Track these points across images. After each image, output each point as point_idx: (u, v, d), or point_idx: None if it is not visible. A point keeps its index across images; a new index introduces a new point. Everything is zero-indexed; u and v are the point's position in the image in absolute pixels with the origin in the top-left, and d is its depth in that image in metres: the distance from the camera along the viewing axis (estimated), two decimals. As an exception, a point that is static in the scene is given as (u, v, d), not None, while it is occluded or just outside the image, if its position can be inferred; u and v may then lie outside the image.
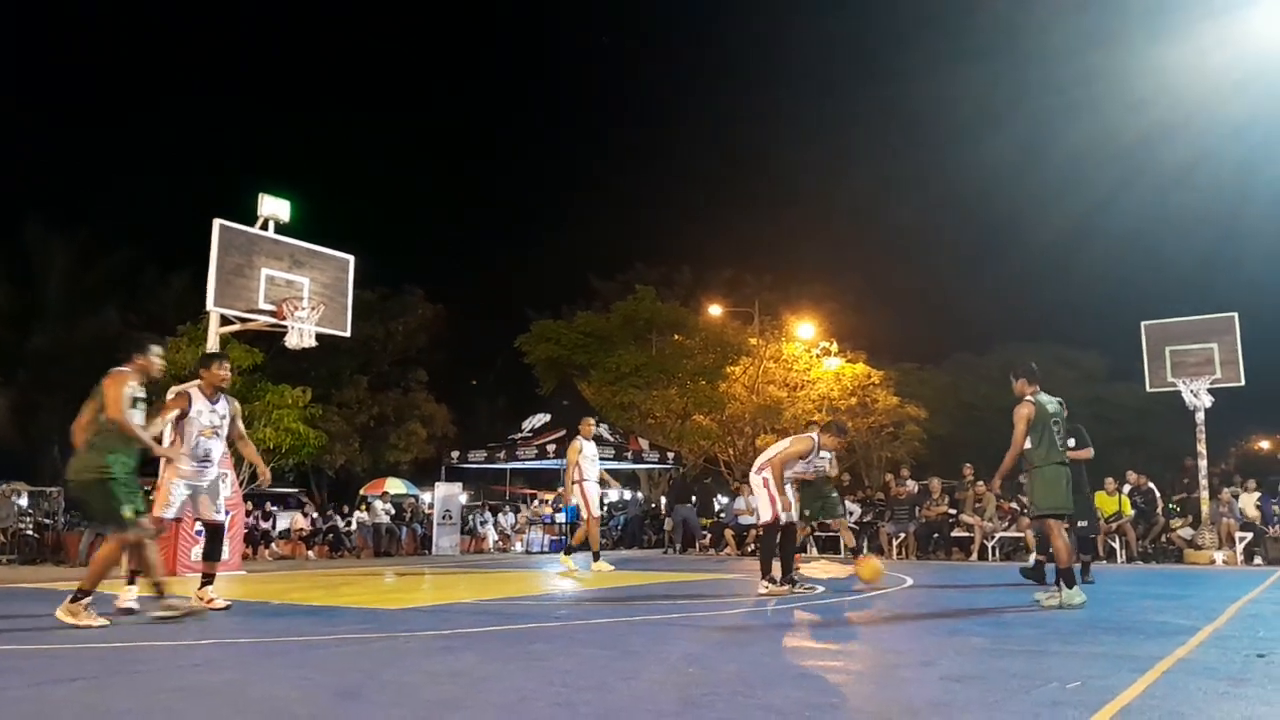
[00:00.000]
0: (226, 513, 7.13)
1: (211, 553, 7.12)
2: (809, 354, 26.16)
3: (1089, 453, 9.34)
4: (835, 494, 12.66)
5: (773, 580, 8.02)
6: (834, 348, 26.29)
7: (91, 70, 45.70)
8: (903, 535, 15.46)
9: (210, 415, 6.92)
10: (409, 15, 59.31)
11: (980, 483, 15.79)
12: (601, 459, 12.44)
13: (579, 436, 12.03)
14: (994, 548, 14.73)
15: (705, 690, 3.72)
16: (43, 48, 43.82)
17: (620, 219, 49.39)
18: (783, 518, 7.98)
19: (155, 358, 6.26)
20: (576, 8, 59.98)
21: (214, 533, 7.16)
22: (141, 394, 6.11)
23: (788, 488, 8.17)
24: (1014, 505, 15.61)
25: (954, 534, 15.44)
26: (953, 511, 15.70)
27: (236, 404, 7.28)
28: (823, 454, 11.92)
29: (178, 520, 7.12)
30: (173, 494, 6.84)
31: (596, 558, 11.85)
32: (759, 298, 30.30)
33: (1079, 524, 10.06)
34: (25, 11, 42.91)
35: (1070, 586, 6.87)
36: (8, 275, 29.68)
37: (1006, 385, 7.51)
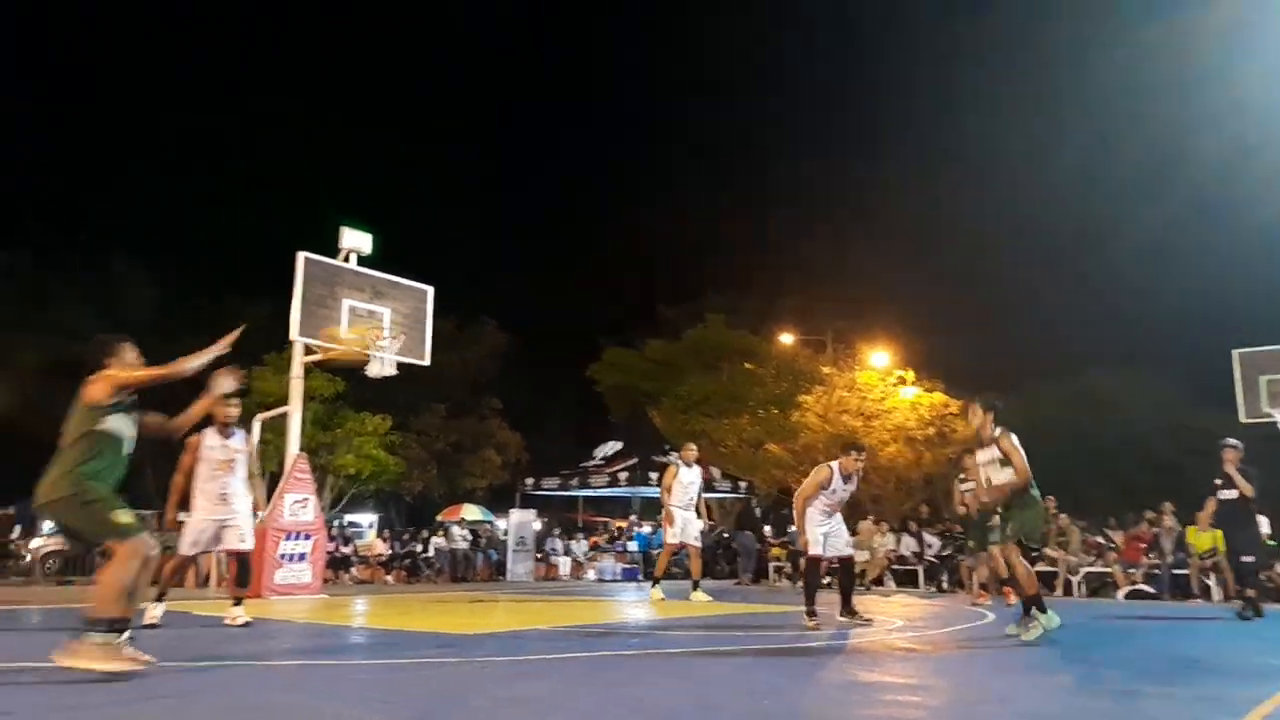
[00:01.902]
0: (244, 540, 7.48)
1: (240, 579, 7.58)
2: (884, 382, 25.71)
3: (1250, 489, 9.74)
4: (992, 522, 12.19)
5: (850, 612, 8.12)
6: (910, 376, 25.80)
7: (164, 114, 47.49)
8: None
9: (223, 450, 7.28)
10: (484, 46, 60.74)
11: (1064, 515, 15.30)
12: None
13: (679, 461, 11.72)
14: (1079, 583, 14.23)
15: (779, 723, 3.67)
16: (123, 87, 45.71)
17: (689, 246, 49.27)
18: (812, 550, 7.99)
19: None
20: (653, 40, 60.68)
21: (240, 560, 7.56)
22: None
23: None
24: (1100, 540, 15.08)
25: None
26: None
27: (254, 440, 7.58)
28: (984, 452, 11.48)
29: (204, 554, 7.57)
30: (193, 529, 7.27)
31: (655, 583, 11.47)
32: (831, 326, 29.96)
33: (1244, 558, 9.85)
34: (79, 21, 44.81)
35: (1044, 611, 6.83)
36: (100, 310, 30.25)
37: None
